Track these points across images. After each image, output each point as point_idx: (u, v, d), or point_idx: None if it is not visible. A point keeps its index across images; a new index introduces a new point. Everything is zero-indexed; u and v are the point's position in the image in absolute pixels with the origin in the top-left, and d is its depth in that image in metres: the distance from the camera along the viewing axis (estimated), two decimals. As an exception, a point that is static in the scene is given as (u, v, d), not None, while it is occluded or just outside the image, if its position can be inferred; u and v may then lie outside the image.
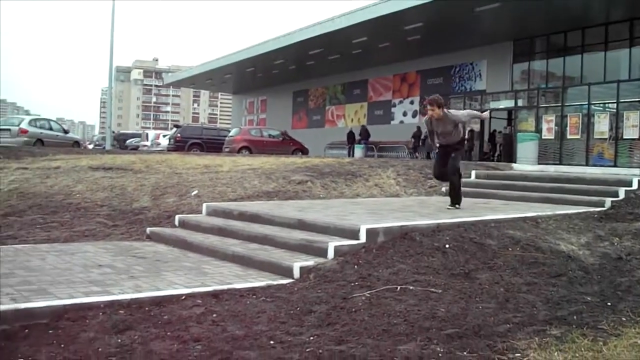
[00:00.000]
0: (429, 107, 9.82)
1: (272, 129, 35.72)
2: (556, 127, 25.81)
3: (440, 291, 5.64)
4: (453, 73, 36.57)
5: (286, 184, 12.44)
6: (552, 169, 15.97)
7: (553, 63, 30.50)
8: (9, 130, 27.06)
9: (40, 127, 28.34)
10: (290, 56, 40.94)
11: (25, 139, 26.41)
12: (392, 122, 40.84)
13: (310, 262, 6.54)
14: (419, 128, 34.48)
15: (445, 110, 9.85)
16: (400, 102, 41.00)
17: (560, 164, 22.80)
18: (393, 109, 41.55)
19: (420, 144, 33.44)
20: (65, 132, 30.86)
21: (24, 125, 27.46)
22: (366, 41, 34.35)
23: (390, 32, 32.32)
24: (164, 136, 38.96)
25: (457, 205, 9.77)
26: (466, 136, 10.75)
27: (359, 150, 36.25)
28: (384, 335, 4.51)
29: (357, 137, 37.40)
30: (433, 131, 10.14)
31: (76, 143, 30.80)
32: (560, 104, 26.33)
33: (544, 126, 26.09)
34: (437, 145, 10.28)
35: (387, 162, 16.85)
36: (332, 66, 42.40)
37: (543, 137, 25.00)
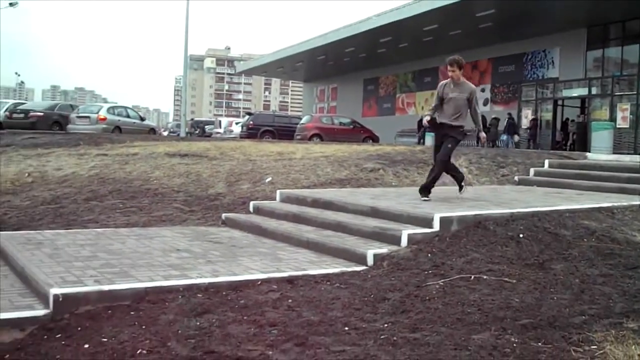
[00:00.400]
0: (449, 67, 9.02)
1: (343, 117, 35.72)
2: (631, 116, 25.07)
3: (514, 281, 5.58)
4: (525, 60, 35.82)
5: (358, 172, 12.46)
6: (627, 159, 15.52)
7: (628, 50, 29.40)
8: (89, 117, 27.86)
9: (118, 115, 29.09)
10: (361, 44, 40.82)
11: (104, 126, 27.13)
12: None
13: (383, 249, 6.56)
14: (482, 116, 34.10)
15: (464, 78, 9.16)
16: (472, 90, 40.46)
17: (636, 153, 22.10)
18: (464, 97, 41.03)
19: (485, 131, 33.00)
20: (142, 119, 31.60)
21: (102, 113, 28.22)
22: (437, 29, 33.99)
23: (462, 19, 31.88)
24: (237, 123, 39.45)
25: (462, 184, 9.41)
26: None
27: (429, 139, 35.95)
28: (457, 324, 4.49)
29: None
30: (442, 100, 9.11)
31: (152, 130, 31.51)
32: (635, 92, 25.53)
33: (619, 115, 25.41)
34: (427, 121, 9.40)
35: (458, 150, 16.67)
36: (402, 54, 42.09)
37: (617, 126, 24.34)
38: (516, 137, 30.65)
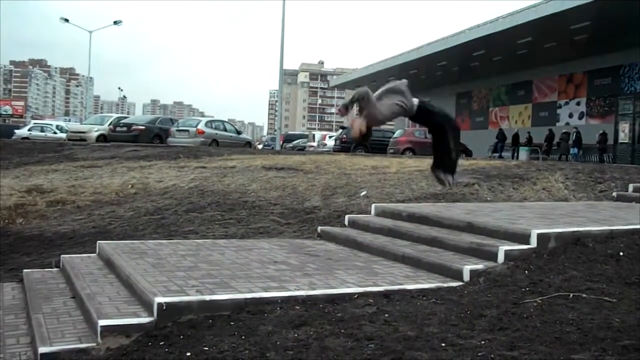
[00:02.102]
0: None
1: (436, 131, 35.38)
2: None
3: (614, 300, 5.41)
4: (622, 73, 34.74)
5: (453, 186, 12.35)
6: None
7: None
8: (188, 131, 28.70)
9: (216, 128, 29.83)
10: (454, 57, 40.54)
11: (202, 139, 27.88)
12: (557, 124, 39.35)
13: (480, 265, 6.48)
14: (550, 130, 33.31)
15: None
16: (566, 103, 39.53)
17: None
18: (558, 111, 40.10)
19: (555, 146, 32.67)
20: (238, 132, 32.28)
21: (201, 127, 29.02)
22: (531, 41, 33.41)
23: (556, 31, 31.22)
24: (330, 137, 39.72)
25: None
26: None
27: (523, 153, 35.34)
28: (556, 343, 4.39)
29: (524, 140, 36.52)
30: None
31: (248, 143, 32.13)
32: None
33: None
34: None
35: (554, 165, 16.30)
36: (495, 67, 41.53)
37: None
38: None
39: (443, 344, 4.42)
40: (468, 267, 6.39)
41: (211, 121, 31.34)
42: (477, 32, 36.19)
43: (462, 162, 16.84)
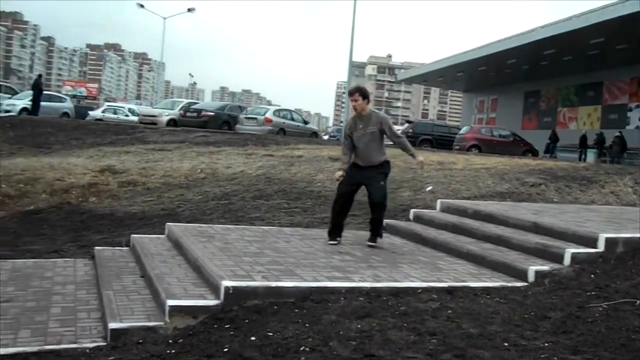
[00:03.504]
0: (350, 97, 7.74)
1: (503, 129, 35.02)
2: None
3: (683, 309, 5.31)
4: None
5: (519, 186, 12.20)
6: None
7: None
8: (256, 119, 28.97)
9: (283, 117, 29.99)
10: (524, 56, 39.88)
11: (270, 127, 28.08)
12: (627, 127, 38.35)
13: (545, 266, 6.42)
14: (601, 133, 32.47)
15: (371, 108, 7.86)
16: (637, 106, 38.49)
17: None
18: (629, 114, 39.08)
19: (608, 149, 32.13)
20: (305, 122, 32.41)
21: (268, 115, 29.22)
22: (603, 42, 32.59)
23: (631, 32, 30.32)
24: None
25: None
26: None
27: (591, 155, 34.64)
28: (621, 350, 4.34)
29: (592, 142, 35.82)
30: (351, 140, 7.73)
31: (314, 134, 32.22)
32: None
33: None
34: (344, 167, 7.83)
35: (623, 168, 15.91)
36: (565, 67, 40.66)
37: None
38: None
39: (506, 344, 4.41)
40: (533, 267, 6.34)
41: (279, 110, 31.51)
42: (549, 30, 35.52)
43: (529, 162, 16.64)
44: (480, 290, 5.84)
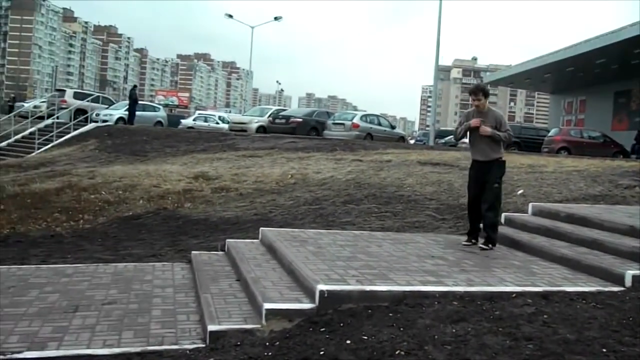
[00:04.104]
0: (472, 96, 8.15)
1: (592, 130, 34.07)
2: None
3: None
4: None
5: (613, 188, 11.86)
6: None
7: None
8: (343, 124, 29.15)
9: (370, 122, 30.07)
10: (613, 55, 38.50)
11: (357, 132, 28.20)
12: None
13: (643, 271, 6.26)
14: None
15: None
16: None
17: None
18: None
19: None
20: (392, 127, 32.38)
21: (356, 120, 29.37)
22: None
23: None
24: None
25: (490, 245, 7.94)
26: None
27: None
28: None
29: None
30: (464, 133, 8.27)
31: (401, 138, 32.15)
32: None
33: None
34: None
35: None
36: (658, 65, 39.06)
37: None
38: None
39: (604, 350, 4.34)
40: (630, 272, 6.19)
41: (366, 115, 31.56)
42: (638, 28, 34.25)
43: (621, 164, 16.14)
44: (576, 295, 5.73)
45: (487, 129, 7.90)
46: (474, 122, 8.01)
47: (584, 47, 40.06)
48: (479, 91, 8.08)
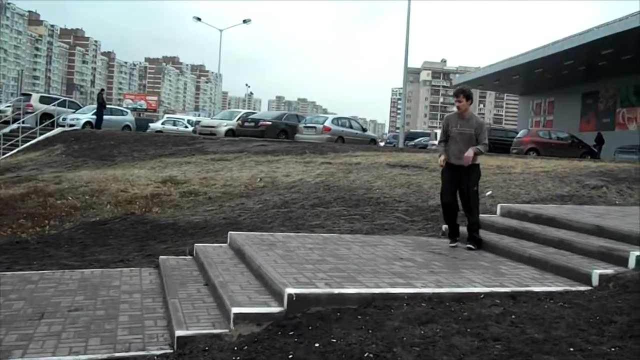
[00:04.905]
0: (455, 98, 8.19)
1: (561, 131, 34.55)
2: None
3: None
4: None
5: (580, 188, 12.01)
6: None
7: None
8: (315, 127, 29.24)
9: (342, 125, 30.18)
10: (581, 57, 39.13)
11: (328, 136, 28.29)
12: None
13: (609, 270, 6.31)
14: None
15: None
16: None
17: None
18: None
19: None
20: (364, 130, 32.50)
21: (327, 124, 29.49)
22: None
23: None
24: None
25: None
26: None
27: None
28: (692, 354, 4.26)
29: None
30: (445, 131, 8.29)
31: (373, 141, 32.26)
32: None
33: None
34: (443, 162, 8.21)
35: None
36: (625, 66, 39.65)
37: None
38: None
39: (571, 349, 4.37)
40: (597, 271, 6.26)
41: (337, 118, 31.63)
42: (606, 30, 34.78)
43: (589, 164, 16.34)
44: (544, 295, 5.78)
45: (470, 157, 7.96)
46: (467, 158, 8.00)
47: (552, 49, 40.62)
48: (460, 93, 8.14)
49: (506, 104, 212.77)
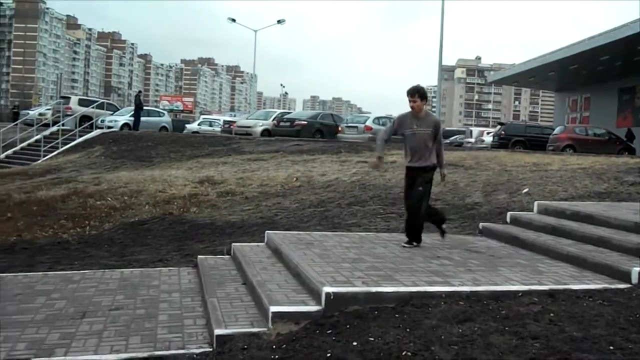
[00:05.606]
0: (409, 97, 7.80)
1: (597, 127, 34.06)
2: None
3: None
4: None
5: (618, 185, 11.86)
6: None
7: None
8: (356, 127, 29.38)
9: (382, 124, 30.12)
10: (617, 52, 38.39)
11: (370, 135, 28.28)
12: None
13: (650, 268, 6.24)
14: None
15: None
16: None
17: None
18: None
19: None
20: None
21: (368, 123, 29.62)
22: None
23: None
24: (488, 133, 39.02)
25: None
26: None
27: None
28: None
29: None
30: (402, 136, 7.95)
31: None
32: None
33: None
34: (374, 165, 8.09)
35: None
36: (663, 61, 38.93)
37: None
38: None
39: (611, 347, 4.33)
40: (637, 269, 6.16)
41: (378, 117, 31.55)
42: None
43: (627, 160, 16.11)
44: (583, 293, 5.72)
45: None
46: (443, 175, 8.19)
47: (588, 45, 40.01)
48: (415, 92, 7.79)
49: (542, 100, 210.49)
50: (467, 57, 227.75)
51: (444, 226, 8.24)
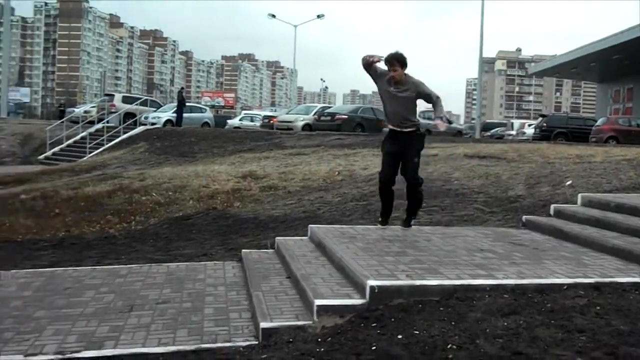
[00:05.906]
0: (389, 66, 7.58)
1: (641, 118, 33.45)
2: None
3: None
4: None
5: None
6: None
7: None
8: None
9: (427, 118, 29.98)
10: (660, 42, 37.67)
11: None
12: None
13: (698, 261, 6.16)
14: None
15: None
16: None
17: None
18: None
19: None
20: (450, 122, 32.24)
21: (415, 117, 29.40)
22: None
23: None
24: (530, 125, 38.61)
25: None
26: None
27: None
28: None
29: None
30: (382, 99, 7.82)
31: (459, 132, 32.00)
32: None
33: None
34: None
35: None
36: None
37: None
38: None
39: (659, 341, 4.29)
40: (684, 261, 6.09)
41: (423, 112, 31.45)
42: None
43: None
44: (629, 286, 5.65)
45: (442, 126, 8.04)
46: (440, 125, 8.03)
47: (629, 35, 39.29)
48: (394, 59, 7.56)
49: (584, 91, 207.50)
50: (508, 49, 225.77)
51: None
